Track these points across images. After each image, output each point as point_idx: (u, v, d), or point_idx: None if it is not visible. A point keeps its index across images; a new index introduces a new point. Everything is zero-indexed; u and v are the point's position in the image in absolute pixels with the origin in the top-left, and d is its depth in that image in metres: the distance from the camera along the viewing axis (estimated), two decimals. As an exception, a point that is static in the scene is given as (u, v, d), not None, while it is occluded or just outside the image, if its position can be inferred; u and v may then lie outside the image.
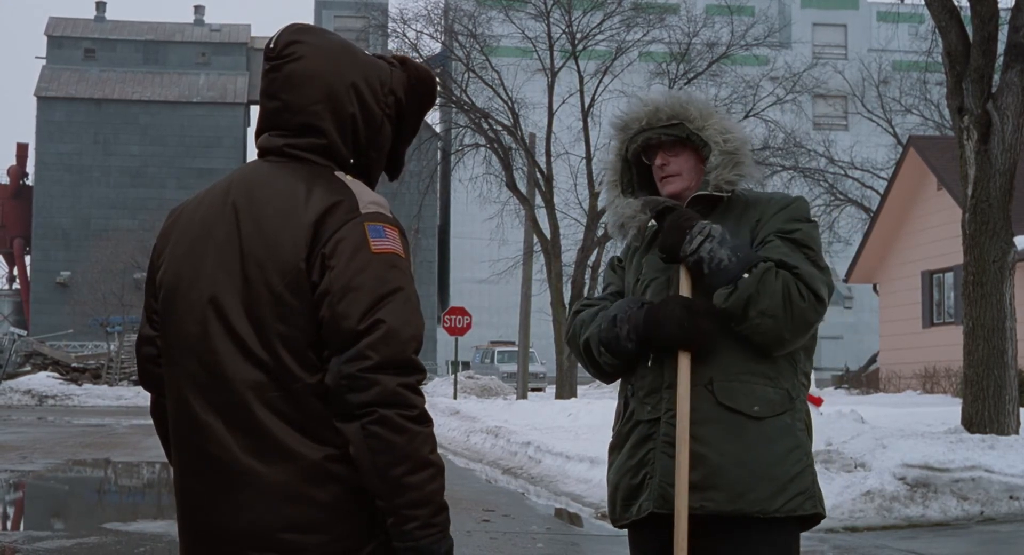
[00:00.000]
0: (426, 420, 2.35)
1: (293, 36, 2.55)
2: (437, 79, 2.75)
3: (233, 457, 2.39)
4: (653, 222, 3.30)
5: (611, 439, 3.33)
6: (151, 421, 2.78)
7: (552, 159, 30.58)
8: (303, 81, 2.51)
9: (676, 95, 3.29)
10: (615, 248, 31.48)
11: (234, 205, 2.49)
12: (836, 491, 10.10)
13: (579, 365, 30.12)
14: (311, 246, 2.37)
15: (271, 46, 2.55)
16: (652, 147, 3.28)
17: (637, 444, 3.19)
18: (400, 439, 2.29)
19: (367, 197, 2.45)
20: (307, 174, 2.48)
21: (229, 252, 2.45)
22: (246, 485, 2.38)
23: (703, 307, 3.10)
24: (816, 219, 3.30)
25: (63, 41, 70.09)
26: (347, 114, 2.51)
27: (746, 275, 3.02)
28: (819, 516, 3.16)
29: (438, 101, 31.81)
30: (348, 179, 2.49)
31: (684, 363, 3.09)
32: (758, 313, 3.01)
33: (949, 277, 27.92)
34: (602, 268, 31.86)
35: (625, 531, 3.32)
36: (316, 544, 2.36)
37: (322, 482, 2.36)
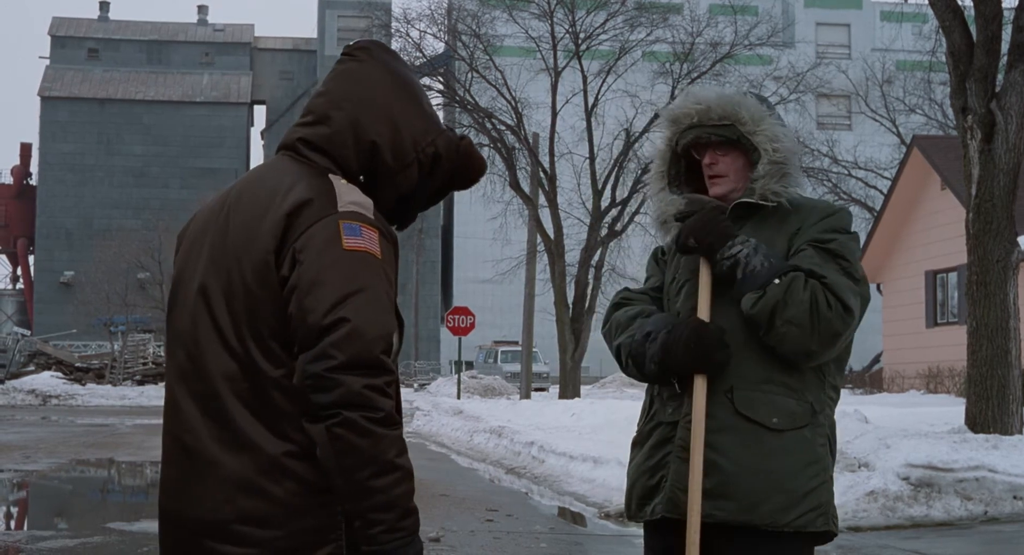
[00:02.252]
0: (393, 423, 2.31)
1: (370, 45, 2.62)
2: (486, 170, 2.73)
3: (203, 446, 2.41)
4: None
5: (635, 435, 3.32)
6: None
7: (555, 159, 30.59)
8: (348, 80, 2.56)
9: (729, 96, 3.25)
10: (618, 248, 31.53)
11: (228, 201, 2.53)
12: (840, 491, 10.08)
13: (582, 365, 29.68)
14: (282, 239, 2.37)
15: (351, 43, 2.63)
16: (701, 145, 3.25)
17: (656, 445, 3.18)
18: (364, 442, 2.26)
19: (348, 197, 2.43)
20: (298, 171, 2.49)
21: (219, 245, 2.48)
22: (209, 474, 2.39)
23: (714, 331, 3.06)
24: (856, 231, 3.23)
25: (67, 41, 70.19)
26: (368, 139, 2.51)
27: (776, 281, 2.99)
28: (831, 534, 3.11)
29: (441, 100, 31.93)
30: (339, 181, 2.47)
31: (699, 385, 3.06)
32: (784, 322, 2.97)
33: (953, 277, 27.90)
34: (605, 268, 31.47)
35: (631, 529, 3.32)
36: (268, 539, 2.35)
37: (277, 477, 2.35)
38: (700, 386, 3.06)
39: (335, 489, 2.30)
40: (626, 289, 3.42)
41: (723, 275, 3.09)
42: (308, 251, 2.34)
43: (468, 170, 2.63)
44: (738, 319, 3.08)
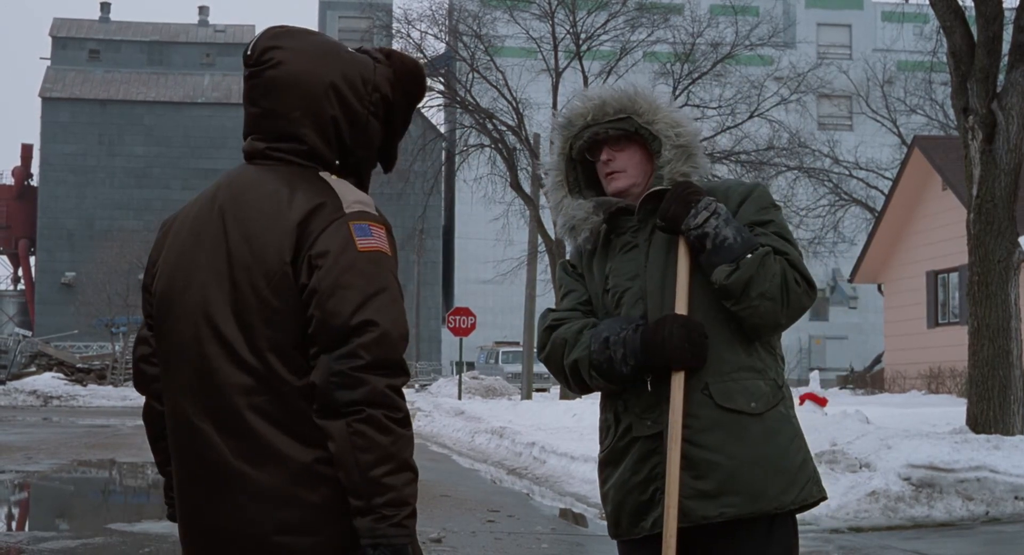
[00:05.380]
0: (409, 424, 2.37)
1: (270, 42, 2.55)
2: (424, 69, 2.73)
3: (225, 461, 2.41)
4: (605, 225, 3.23)
5: (601, 454, 3.25)
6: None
7: (557, 160, 30.54)
8: (281, 88, 2.51)
9: (623, 88, 3.21)
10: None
11: (221, 210, 2.50)
12: (841, 491, 10.09)
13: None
14: (296, 248, 2.39)
15: (248, 53, 2.55)
16: (598, 143, 3.20)
17: (640, 460, 3.12)
18: (385, 439, 2.30)
19: (351, 196, 2.46)
20: (290, 176, 2.49)
21: (217, 257, 2.47)
22: (239, 489, 2.40)
23: (698, 324, 3.05)
24: (780, 204, 3.27)
25: (67, 42, 70.16)
26: (327, 117, 2.51)
27: (749, 256, 2.99)
28: (823, 499, 3.15)
29: (442, 102, 31.95)
30: (333, 179, 2.50)
31: (678, 380, 3.05)
32: (759, 295, 2.98)
33: (954, 277, 27.91)
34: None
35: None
36: (309, 546, 2.38)
37: (313, 484, 2.37)
38: (679, 380, 3.05)
39: (348, 483, 2.32)
40: (552, 310, 3.32)
41: (695, 246, 3.06)
42: (325, 256, 2.36)
43: (411, 82, 2.62)
44: (706, 312, 3.07)
